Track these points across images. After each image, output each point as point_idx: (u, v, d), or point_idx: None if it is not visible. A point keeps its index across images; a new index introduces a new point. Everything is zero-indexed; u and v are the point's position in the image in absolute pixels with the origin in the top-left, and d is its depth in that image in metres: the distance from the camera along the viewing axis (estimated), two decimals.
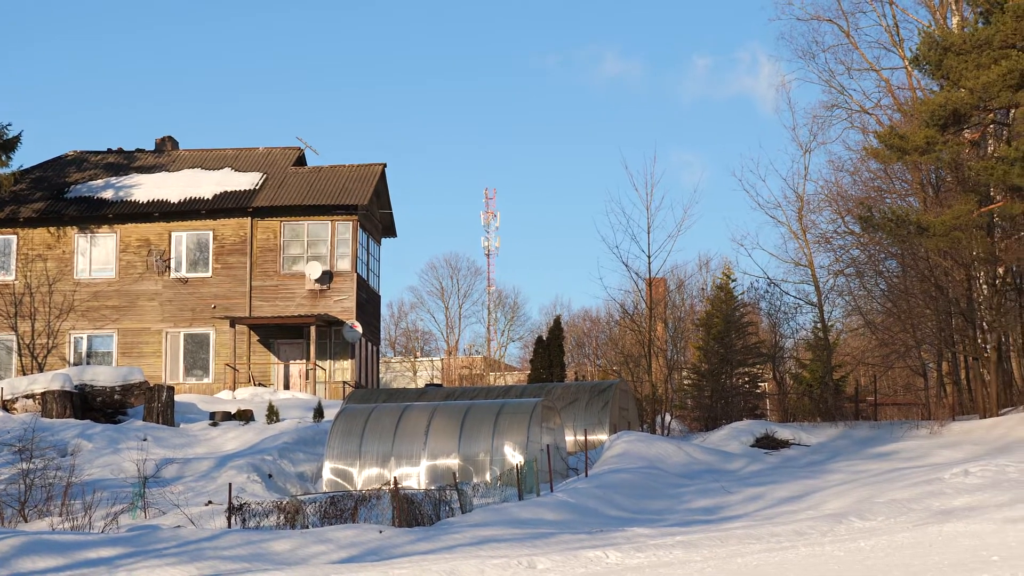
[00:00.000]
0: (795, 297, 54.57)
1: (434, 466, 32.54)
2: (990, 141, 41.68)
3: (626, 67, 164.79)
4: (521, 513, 25.11)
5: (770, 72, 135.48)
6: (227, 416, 41.68)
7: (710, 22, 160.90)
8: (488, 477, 31.51)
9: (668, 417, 48.10)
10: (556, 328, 55.23)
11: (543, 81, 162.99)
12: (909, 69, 47.40)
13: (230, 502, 25.35)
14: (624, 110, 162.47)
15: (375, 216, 56.63)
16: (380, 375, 66.36)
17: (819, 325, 52.02)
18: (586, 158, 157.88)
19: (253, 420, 41.26)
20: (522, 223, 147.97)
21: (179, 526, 24.87)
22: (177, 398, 44.04)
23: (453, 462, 32.39)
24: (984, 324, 42.03)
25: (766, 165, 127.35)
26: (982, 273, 42.21)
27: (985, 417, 39.36)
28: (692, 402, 52.42)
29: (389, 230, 59.15)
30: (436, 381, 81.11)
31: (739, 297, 52.98)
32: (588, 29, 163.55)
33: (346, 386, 50.93)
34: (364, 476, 32.72)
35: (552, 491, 28.67)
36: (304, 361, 51.64)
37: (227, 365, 51.17)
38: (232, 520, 24.99)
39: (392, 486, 25.22)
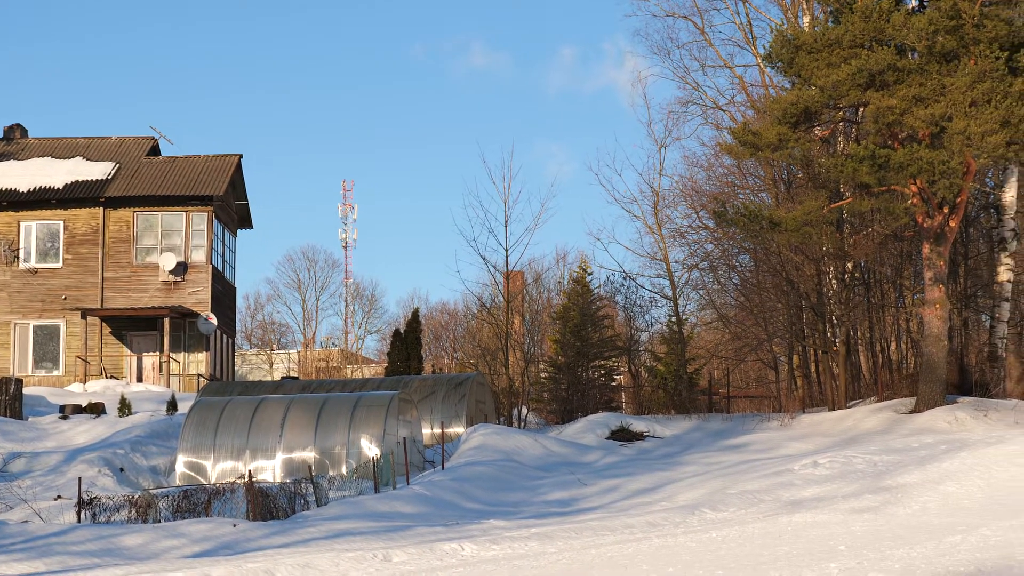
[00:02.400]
0: (650, 291, 55.43)
1: (290, 459, 32.31)
2: (840, 139, 42.57)
3: (493, 57, 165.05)
4: (377, 506, 25.04)
5: (632, 66, 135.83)
6: (78, 409, 40.92)
7: (578, 11, 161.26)
8: (344, 470, 31.37)
9: (525, 410, 48.33)
10: (414, 321, 55.15)
11: (407, 72, 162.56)
12: (762, 67, 48.19)
13: (80, 496, 24.86)
14: (490, 100, 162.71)
15: (231, 207, 56.00)
16: (236, 368, 65.64)
17: (674, 319, 52.68)
18: (447, 150, 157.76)
19: (105, 413, 40.61)
20: (380, 216, 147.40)
21: (26, 521, 24.34)
22: (26, 391, 43.14)
23: (309, 455, 32.19)
24: (833, 318, 42.96)
25: (623, 160, 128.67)
26: (831, 268, 43.16)
27: (834, 409, 40.21)
28: (549, 395, 52.75)
29: (245, 222, 58.56)
30: (293, 374, 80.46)
31: (595, 291, 53.44)
32: (456, 18, 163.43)
33: (201, 379, 50.32)
34: (218, 470, 32.37)
35: (409, 484, 28.65)
36: (158, 353, 50.90)
37: (78, 357, 50.22)
38: (82, 515, 24.52)
39: (247, 479, 24.96)
